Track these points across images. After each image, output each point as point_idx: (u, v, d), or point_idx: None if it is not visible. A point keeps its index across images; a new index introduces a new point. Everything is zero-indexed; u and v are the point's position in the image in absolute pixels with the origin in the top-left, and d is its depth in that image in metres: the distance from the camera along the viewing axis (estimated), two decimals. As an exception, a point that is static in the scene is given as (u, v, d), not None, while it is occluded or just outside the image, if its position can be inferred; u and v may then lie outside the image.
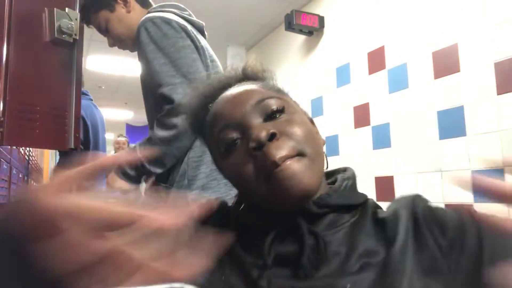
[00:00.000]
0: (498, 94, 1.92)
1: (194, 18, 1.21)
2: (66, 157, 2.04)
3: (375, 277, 0.45)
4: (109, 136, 8.51)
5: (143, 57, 1.10)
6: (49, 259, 0.25)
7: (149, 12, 1.21)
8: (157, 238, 0.26)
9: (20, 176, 1.89)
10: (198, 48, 1.16)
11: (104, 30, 1.24)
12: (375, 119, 2.58)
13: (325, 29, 3.26)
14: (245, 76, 0.61)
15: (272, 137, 0.47)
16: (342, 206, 0.52)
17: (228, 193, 1.12)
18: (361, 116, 2.69)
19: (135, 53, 1.32)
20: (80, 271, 0.25)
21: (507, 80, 1.89)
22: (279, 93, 0.56)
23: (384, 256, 0.47)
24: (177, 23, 1.13)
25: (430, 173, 2.23)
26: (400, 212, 0.51)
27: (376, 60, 2.67)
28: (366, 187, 2.56)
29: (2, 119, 1.10)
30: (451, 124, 2.13)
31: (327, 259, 0.47)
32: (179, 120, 1.05)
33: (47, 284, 0.26)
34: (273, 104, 0.52)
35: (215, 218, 0.54)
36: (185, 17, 1.18)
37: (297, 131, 0.50)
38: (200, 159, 1.11)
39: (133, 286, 0.25)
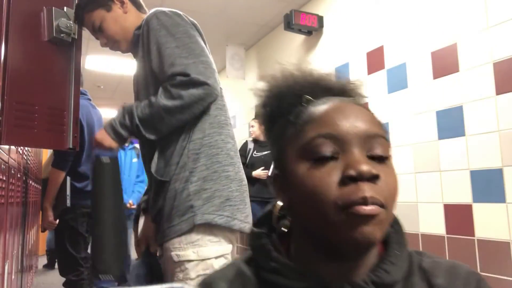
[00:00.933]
0: (497, 94, 1.92)
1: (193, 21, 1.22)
2: (60, 156, 2.03)
3: None
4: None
5: (153, 43, 1.09)
6: None
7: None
8: None
9: (19, 175, 1.88)
10: (205, 43, 1.16)
11: (98, 30, 1.22)
12: (374, 119, 2.57)
13: (324, 29, 3.26)
14: (346, 90, 0.55)
15: (374, 178, 0.44)
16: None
17: (229, 186, 1.10)
18: (360, 116, 2.69)
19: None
20: None
21: (506, 80, 1.89)
22: (386, 134, 0.50)
23: None
24: (187, 17, 1.15)
25: (429, 173, 2.23)
26: None
27: (375, 60, 2.67)
28: (365, 187, 2.55)
29: (0, 118, 1.10)
30: (450, 124, 2.13)
31: None
32: (187, 93, 1.03)
33: None
34: (383, 148, 0.47)
35: None
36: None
37: (393, 186, 0.46)
38: (200, 151, 1.09)
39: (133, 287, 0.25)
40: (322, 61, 3.25)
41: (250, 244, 0.52)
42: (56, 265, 2.51)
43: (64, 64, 1.31)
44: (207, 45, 1.17)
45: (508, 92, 1.88)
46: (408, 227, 2.16)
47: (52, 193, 2.04)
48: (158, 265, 1.18)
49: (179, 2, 3.43)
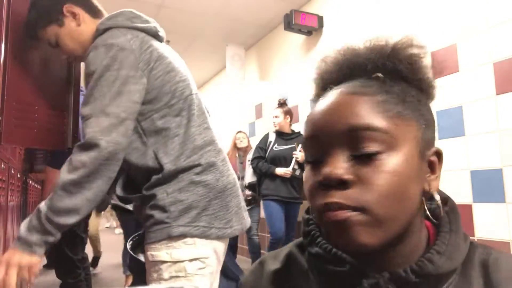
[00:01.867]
0: (497, 94, 1.92)
1: (146, 24, 1.13)
2: (55, 155, 2.02)
3: None
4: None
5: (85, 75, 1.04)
6: None
7: (97, 31, 1.11)
8: None
9: (19, 176, 1.88)
10: (149, 63, 1.05)
11: (55, 45, 1.15)
12: (374, 119, 2.57)
13: (324, 29, 3.26)
14: (388, 62, 0.49)
15: (342, 183, 0.41)
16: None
17: (207, 196, 1.07)
18: (360, 116, 2.69)
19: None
20: None
21: (506, 80, 1.89)
22: (401, 115, 0.43)
23: None
24: (119, 44, 1.02)
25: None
26: None
27: (375, 60, 2.67)
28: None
29: (0, 118, 1.10)
30: (450, 124, 2.13)
31: None
32: (88, 158, 0.95)
33: None
34: (370, 143, 0.41)
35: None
36: (137, 27, 1.11)
37: (381, 186, 0.41)
38: (175, 169, 1.04)
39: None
40: (322, 61, 3.25)
41: (302, 229, 0.53)
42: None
43: (64, 64, 1.31)
44: (155, 52, 1.07)
45: (508, 92, 1.88)
46: (408, 227, 2.16)
47: (49, 192, 2.04)
48: None
49: (179, 2, 3.44)
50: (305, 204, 3.16)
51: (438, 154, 0.46)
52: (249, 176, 3.41)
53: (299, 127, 3.39)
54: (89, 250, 2.85)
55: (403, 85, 0.46)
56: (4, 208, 1.40)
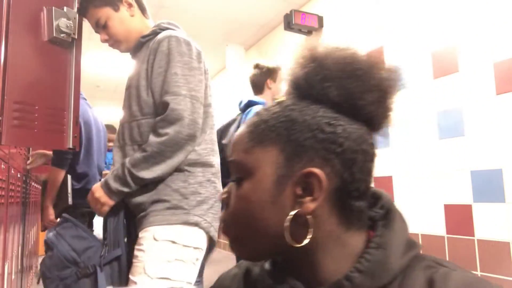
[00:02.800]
0: (497, 94, 1.92)
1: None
2: (58, 155, 2.03)
3: None
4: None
5: (157, 65, 1.15)
6: None
7: (160, 26, 1.27)
8: None
9: (19, 176, 1.88)
10: (205, 73, 1.23)
11: (102, 27, 1.25)
12: (374, 119, 2.57)
13: (324, 29, 3.26)
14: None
15: (223, 203, 0.51)
16: None
17: (215, 196, 1.18)
18: (360, 116, 2.69)
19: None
20: None
21: (506, 80, 1.89)
22: (240, 155, 0.48)
23: None
24: (196, 47, 1.20)
25: (429, 173, 2.23)
26: None
27: (375, 60, 2.67)
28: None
29: (0, 118, 1.10)
30: (450, 124, 2.13)
31: None
32: (171, 130, 1.09)
33: None
34: (234, 172, 0.48)
35: None
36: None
37: (232, 208, 0.48)
38: (197, 162, 1.17)
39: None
40: (322, 61, 3.25)
41: None
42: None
43: (64, 64, 1.31)
44: (207, 74, 1.24)
45: (509, 92, 1.88)
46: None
47: (53, 192, 2.04)
48: None
49: (179, 2, 3.43)
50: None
51: (317, 177, 0.43)
52: None
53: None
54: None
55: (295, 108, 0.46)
56: (4, 208, 1.40)
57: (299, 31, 3.35)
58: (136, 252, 1.09)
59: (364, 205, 0.46)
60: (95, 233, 1.26)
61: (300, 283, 0.45)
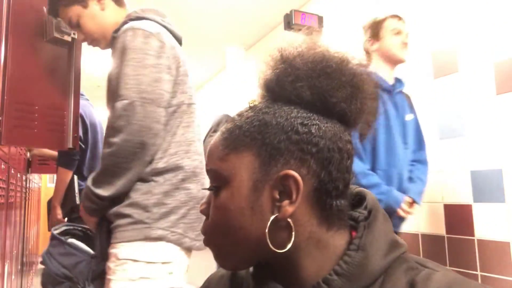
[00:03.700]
0: (497, 94, 1.92)
1: (173, 27, 1.16)
2: (65, 155, 2.03)
3: None
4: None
5: (114, 64, 1.07)
6: None
7: (130, 16, 1.16)
8: None
9: (19, 175, 1.88)
10: (177, 68, 1.11)
11: (75, 26, 1.18)
12: (374, 119, 2.57)
13: (324, 29, 3.26)
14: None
15: (203, 214, 0.49)
16: None
17: (187, 204, 1.09)
18: (360, 116, 2.68)
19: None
20: None
21: (506, 80, 1.89)
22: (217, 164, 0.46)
23: None
24: (159, 39, 1.08)
25: (430, 173, 2.23)
26: None
27: (375, 60, 2.67)
28: (365, 187, 2.55)
29: (0, 118, 1.10)
30: (450, 124, 2.13)
31: None
32: (119, 139, 0.98)
33: None
34: (211, 181, 0.47)
35: None
36: (165, 26, 1.14)
37: (210, 220, 0.47)
38: (164, 169, 1.06)
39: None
40: (322, 61, 3.25)
41: None
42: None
43: (64, 64, 1.31)
44: (180, 68, 1.12)
45: (509, 92, 1.88)
46: (408, 227, 2.15)
47: (60, 192, 2.05)
48: None
49: (179, 3, 3.43)
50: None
51: (294, 179, 0.42)
52: None
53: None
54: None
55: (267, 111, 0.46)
56: (4, 208, 1.40)
57: (299, 31, 3.35)
58: (106, 268, 1.04)
59: (345, 204, 0.46)
60: None
61: (281, 286, 0.46)
